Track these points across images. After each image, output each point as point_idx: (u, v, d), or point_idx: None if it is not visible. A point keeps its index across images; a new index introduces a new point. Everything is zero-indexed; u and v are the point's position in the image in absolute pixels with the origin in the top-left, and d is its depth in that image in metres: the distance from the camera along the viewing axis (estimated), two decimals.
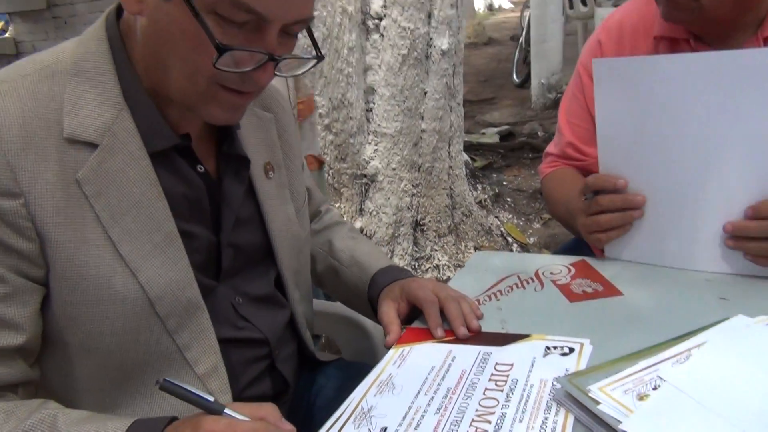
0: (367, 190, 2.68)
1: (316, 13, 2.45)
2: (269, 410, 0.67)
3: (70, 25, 8.22)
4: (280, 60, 0.72)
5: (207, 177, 0.85)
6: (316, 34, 2.48)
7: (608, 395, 0.68)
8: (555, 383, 0.75)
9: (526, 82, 6.02)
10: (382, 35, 2.60)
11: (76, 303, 0.74)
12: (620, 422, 0.64)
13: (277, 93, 1.02)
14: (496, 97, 6.24)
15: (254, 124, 0.94)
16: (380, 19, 2.59)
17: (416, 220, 2.76)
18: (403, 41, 2.57)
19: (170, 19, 0.69)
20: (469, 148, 3.60)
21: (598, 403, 0.67)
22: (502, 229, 3.02)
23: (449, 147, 2.83)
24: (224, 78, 0.72)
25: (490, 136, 4.48)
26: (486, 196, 3.13)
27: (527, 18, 5.87)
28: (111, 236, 0.74)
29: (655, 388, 0.69)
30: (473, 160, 3.60)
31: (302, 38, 0.85)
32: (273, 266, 0.96)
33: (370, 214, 2.66)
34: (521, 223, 3.04)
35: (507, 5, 14.29)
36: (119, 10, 0.79)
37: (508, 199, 3.25)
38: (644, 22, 1.23)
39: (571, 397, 0.70)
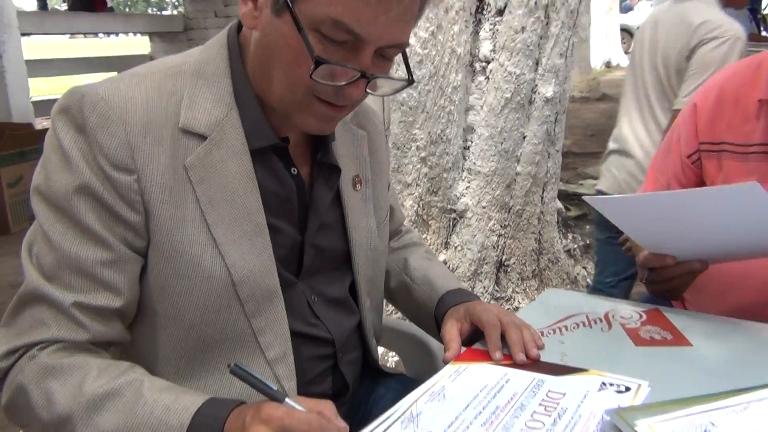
0: (454, 225, 2.71)
1: (425, 52, 2.54)
2: (327, 406, 0.71)
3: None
4: (371, 78, 0.79)
5: (299, 180, 0.92)
6: (423, 71, 2.58)
7: (653, 430, 0.68)
8: (604, 416, 0.75)
9: None
10: (487, 78, 2.65)
11: (169, 275, 0.82)
12: None
13: (372, 113, 1.09)
14: (602, 152, 6.11)
15: (348, 139, 1.01)
16: (488, 62, 2.65)
17: (501, 260, 2.76)
18: (507, 85, 2.61)
19: (278, 33, 0.78)
20: (565, 197, 3.56)
21: None
22: (588, 280, 2.95)
23: (543, 192, 2.82)
24: (319, 90, 0.80)
25: (588, 186, 4.40)
26: (576, 246, 3.07)
27: None
28: (207, 219, 0.82)
29: None
30: (567, 209, 3.55)
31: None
32: (349, 272, 1.02)
33: (455, 248, 2.68)
34: None
35: (626, 63, 14.02)
36: (240, 25, 0.90)
37: None
38: (747, 87, 1.22)
39: (618, 430, 0.70)
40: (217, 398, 0.75)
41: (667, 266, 1.10)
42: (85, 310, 0.79)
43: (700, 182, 1.30)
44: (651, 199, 1.12)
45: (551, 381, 0.86)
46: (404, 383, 1.12)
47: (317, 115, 0.83)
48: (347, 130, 1.02)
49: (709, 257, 1.09)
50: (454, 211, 2.70)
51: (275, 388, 0.71)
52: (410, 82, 0.85)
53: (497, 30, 2.60)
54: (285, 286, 0.90)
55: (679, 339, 0.97)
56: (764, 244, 1.05)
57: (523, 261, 2.82)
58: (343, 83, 0.78)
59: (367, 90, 0.81)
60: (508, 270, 2.79)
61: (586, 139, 6.75)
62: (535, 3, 2.56)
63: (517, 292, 2.75)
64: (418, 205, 2.69)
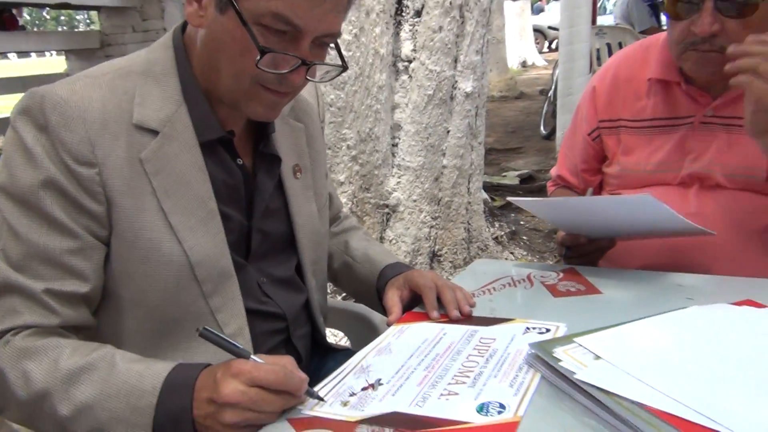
0: (388, 220, 2.82)
1: (349, 54, 2.65)
2: (287, 360, 0.80)
3: None
4: (311, 65, 0.88)
5: (244, 169, 1.00)
6: (348, 73, 2.68)
7: (569, 355, 0.80)
8: (528, 349, 0.86)
9: (552, 134, 6.17)
10: (410, 76, 2.78)
11: (131, 260, 0.89)
12: (575, 373, 0.75)
13: (308, 106, 1.18)
14: (523, 147, 6.40)
15: (287, 131, 1.10)
16: (410, 61, 2.78)
17: (433, 251, 2.89)
18: (429, 82, 2.75)
19: (224, 28, 0.86)
20: (489, 188, 3.74)
21: (559, 360, 0.79)
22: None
23: (469, 184, 2.97)
24: (264, 78, 0.88)
25: (510, 178, 4.64)
26: (502, 233, 3.25)
27: (557, 73, 6.06)
28: (164, 208, 0.89)
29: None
30: (493, 199, 3.74)
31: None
32: (294, 254, 1.10)
33: (390, 242, 2.79)
34: (535, 261, 3.15)
35: (540, 62, 14.60)
36: (183, 27, 0.97)
37: (524, 237, 3.37)
38: (638, 67, 1.38)
39: (539, 357, 0.82)
40: (185, 363, 0.82)
41: (581, 244, 1.26)
42: (55, 296, 0.84)
43: (602, 157, 1.46)
44: (564, 202, 1.30)
45: (483, 330, 0.97)
46: (351, 356, 1.21)
47: (263, 103, 0.91)
48: (286, 123, 1.10)
49: (617, 237, 1.27)
50: (387, 206, 2.82)
51: (241, 346, 0.79)
52: (344, 68, 0.95)
53: (416, 30, 2.74)
54: (236, 269, 0.97)
55: (591, 289, 1.11)
56: (660, 232, 1.23)
57: (455, 250, 2.96)
58: (285, 71, 0.87)
59: (307, 77, 0.90)
60: (441, 259, 2.93)
61: (507, 136, 7.03)
62: (450, 3, 2.71)
63: (451, 281, 2.89)
64: (352, 202, 2.79)
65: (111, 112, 0.87)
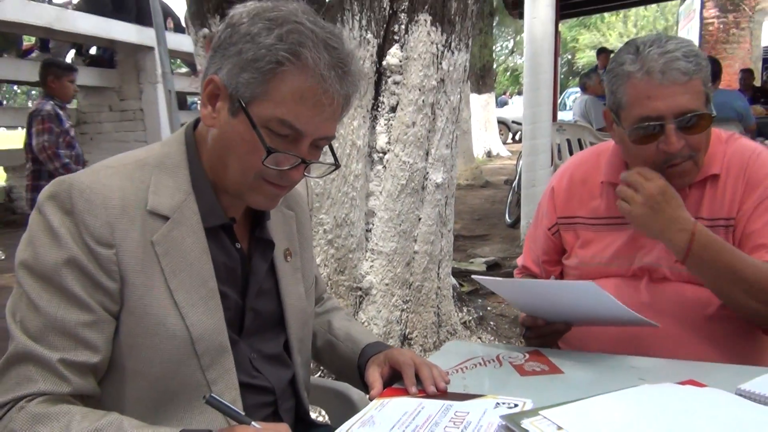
0: (361, 302, 2.92)
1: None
2: (284, 427, 0.89)
3: (95, 141, 8.78)
4: (309, 163, 1.02)
5: (242, 252, 1.11)
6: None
7: (536, 426, 0.90)
8: (500, 420, 0.96)
9: (517, 222, 6.41)
10: (385, 167, 2.96)
11: (138, 333, 0.97)
12: None
13: (299, 196, 1.31)
14: (489, 235, 6.60)
15: (280, 218, 1.22)
16: (384, 153, 2.96)
17: (404, 333, 2.98)
18: (402, 173, 2.92)
19: (234, 130, 1.00)
20: (457, 274, 3.87)
21: (527, 431, 0.89)
22: None
23: (438, 269, 3.10)
24: (267, 174, 1.01)
25: (478, 264, 4.81)
26: (471, 318, 3.36)
27: (521, 165, 6.37)
28: (170, 286, 0.99)
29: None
30: (461, 285, 3.86)
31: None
32: (283, 332, 1.20)
33: (363, 324, 2.87)
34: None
35: (505, 153, 15.18)
36: (195, 123, 1.10)
37: (491, 323, 3.48)
38: (591, 170, 1.56)
39: (509, 429, 0.92)
40: (189, 429, 0.90)
41: (538, 326, 1.39)
42: (68, 365, 0.92)
43: (561, 249, 1.61)
44: (519, 283, 1.49)
45: (457, 404, 1.06)
46: (332, 431, 1.29)
47: (265, 194, 1.04)
48: (278, 210, 1.22)
49: (571, 322, 1.40)
50: (360, 289, 2.92)
51: (242, 414, 0.87)
52: (337, 166, 1.08)
53: (391, 125, 2.94)
54: (231, 344, 1.07)
55: (554, 369, 1.22)
56: (609, 320, 1.37)
57: (425, 333, 3.05)
58: (287, 168, 1.00)
59: (305, 173, 1.03)
60: (412, 342, 3.01)
61: (473, 224, 7.26)
62: (423, 101, 2.93)
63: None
64: (327, 285, 2.88)
65: (129, 200, 0.98)
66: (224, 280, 1.07)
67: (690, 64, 1.29)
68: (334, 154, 1.10)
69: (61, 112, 4.51)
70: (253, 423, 0.86)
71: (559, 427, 0.90)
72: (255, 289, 1.13)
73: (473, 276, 1.42)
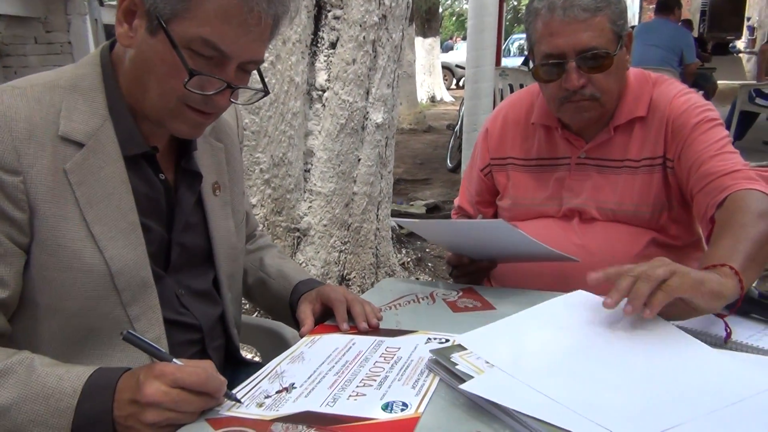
0: (299, 243, 2.88)
1: (265, 80, 2.71)
2: (208, 363, 0.85)
3: (20, 74, 8.25)
4: (235, 88, 0.95)
5: (166, 184, 1.05)
6: (264, 98, 2.74)
7: (465, 360, 0.90)
8: (429, 355, 0.96)
9: (458, 167, 6.44)
10: (324, 105, 2.88)
11: (51, 267, 0.91)
12: (472, 377, 0.85)
13: (228, 128, 1.24)
14: (430, 179, 6.63)
15: (208, 150, 1.16)
16: (323, 91, 2.88)
17: (342, 275, 2.97)
18: (342, 112, 2.85)
19: (153, 50, 0.92)
20: (397, 215, 3.88)
21: (456, 364, 0.89)
22: None
23: (378, 210, 3.09)
24: (190, 99, 0.94)
25: (418, 207, 4.84)
26: (409, 259, 3.38)
27: (463, 109, 6.36)
28: (86, 218, 0.93)
29: None
30: (400, 227, 3.87)
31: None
32: (212, 268, 1.15)
33: (300, 265, 2.85)
34: None
35: (448, 98, 15.16)
36: (112, 45, 1.01)
37: (429, 264, 3.52)
38: (524, 112, 1.55)
39: (438, 363, 0.91)
40: (104, 367, 0.85)
41: (464, 264, 1.39)
42: None
43: (494, 190, 1.61)
44: (436, 223, 1.48)
45: (388, 340, 1.05)
46: None
47: (188, 122, 0.97)
48: (207, 142, 1.16)
49: (494, 259, 1.41)
50: (298, 230, 2.88)
51: (163, 351, 0.83)
52: (266, 92, 1.03)
53: (331, 62, 2.85)
54: (156, 279, 1.01)
55: (486, 305, 1.23)
56: (529, 256, 1.39)
57: (363, 274, 3.05)
58: (211, 93, 0.93)
59: (231, 99, 0.97)
60: (350, 283, 3.01)
61: (415, 167, 7.26)
62: (364, 38, 2.84)
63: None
64: (264, 225, 2.83)
65: (37, 124, 0.90)
66: (147, 213, 1.01)
67: (593, 0, 1.28)
68: (262, 80, 1.03)
69: None
70: (174, 360, 0.83)
71: (489, 363, 0.90)
72: (181, 223, 1.07)
73: (393, 219, 1.42)
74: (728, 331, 0.99)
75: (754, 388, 0.82)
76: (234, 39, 0.91)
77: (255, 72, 1.02)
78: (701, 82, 6.31)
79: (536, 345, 0.96)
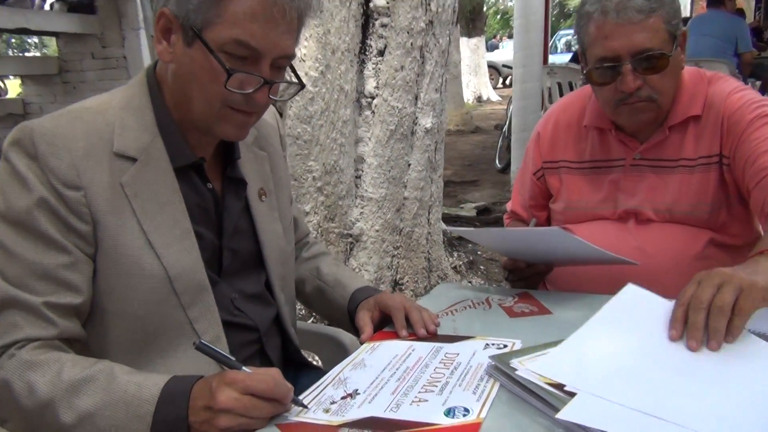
0: (351, 249, 2.92)
1: (316, 89, 2.77)
2: (275, 371, 0.89)
3: (78, 90, 8.58)
4: (272, 83, 1.00)
5: (214, 193, 1.10)
6: (315, 107, 2.80)
7: (524, 366, 0.91)
8: (489, 361, 0.97)
9: (507, 167, 6.39)
10: (373, 112, 2.92)
11: (115, 275, 0.97)
12: (534, 383, 0.86)
13: (271, 137, 1.28)
14: (479, 180, 6.60)
15: (252, 158, 1.20)
16: (373, 98, 2.92)
17: (395, 279, 3.00)
18: (391, 118, 2.88)
19: (192, 60, 0.98)
20: (448, 219, 3.89)
21: (515, 369, 0.90)
22: None
23: (429, 215, 3.10)
24: (232, 100, 0.99)
25: (468, 210, 4.83)
26: (461, 263, 3.38)
27: (511, 109, 6.31)
28: (143, 227, 0.99)
29: None
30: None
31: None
32: (263, 271, 1.20)
33: (354, 270, 2.89)
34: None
35: (495, 98, 15.04)
36: (155, 65, 1.08)
37: (481, 267, 3.51)
38: (576, 115, 1.54)
39: (499, 369, 0.93)
40: (180, 375, 0.90)
41: (519, 268, 1.40)
42: (52, 308, 0.92)
43: (548, 194, 1.61)
44: (491, 231, 1.52)
45: (447, 346, 1.07)
46: (324, 374, 1.30)
47: (233, 123, 1.02)
48: (251, 151, 1.20)
49: (551, 263, 1.41)
50: (351, 236, 2.92)
51: (233, 359, 0.88)
52: (302, 85, 1.07)
53: (379, 69, 2.88)
54: (211, 284, 1.06)
55: (542, 310, 1.23)
56: (586, 260, 1.38)
57: (416, 279, 3.07)
58: (251, 90, 0.98)
59: (270, 96, 1.01)
60: (403, 288, 3.03)
61: (464, 169, 7.24)
62: (411, 44, 2.87)
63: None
64: (317, 232, 2.88)
65: (94, 143, 0.97)
66: (198, 221, 1.07)
67: (647, 1, 1.27)
68: (296, 75, 1.08)
69: None
70: (243, 368, 0.87)
71: (546, 369, 0.90)
72: (230, 229, 1.13)
73: (449, 229, 1.45)
74: None
75: None
76: (263, 35, 0.96)
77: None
78: (759, 71, 6.10)
79: (611, 359, 0.94)
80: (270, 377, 0.85)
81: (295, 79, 1.09)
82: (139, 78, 1.07)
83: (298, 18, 0.99)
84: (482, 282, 3.30)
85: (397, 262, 3.01)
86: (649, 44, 1.29)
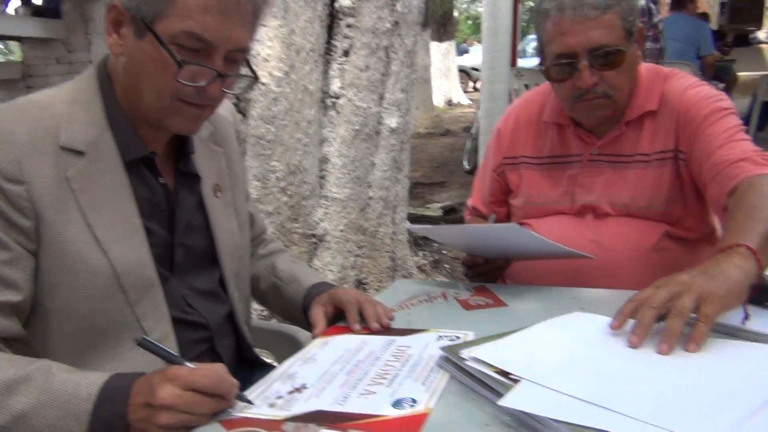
0: (315, 249, 2.90)
1: (280, 90, 2.74)
2: (219, 366, 0.86)
3: None
4: (225, 76, 0.98)
5: (166, 187, 1.08)
6: (279, 107, 2.77)
7: (474, 356, 0.90)
8: (440, 352, 0.96)
9: (475, 169, 6.42)
10: (338, 112, 2.90)
11: (59, 272, 0.94)
12: (484, 373, 0.85)
13: (228, 133, 1.26)
14: (447, 182, 6.62)
15: (207, 154, 1.18)
16: (337, 98, 2.90)
17: (359, 279, 2.98)
18: (356, 118, 2.87)
19: (143, 52, 0.95)
20: (414, 219, 3.88)
21: (465, 360, 0.89)
22: None
23: (394, 214, 3.09)
24: (184, 93, 0.97)
25: (434, 210, 4.85)
26: (426, 262, 3.38)
27: (480, 112, 6.34)
28: (89, 222, 0.96)
29: None
30: None
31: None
32: (217, 268, 1.17)
33: (317, 271, 2.86)
34: None
35: (465, 101, 15.13)
36: (106, 59, 1.05)
37: (446, 265, 3.51)
38: (536, 111, 1.55)
39: (449, 359, 0.92)
40: (121, 373, 0.87)
41: (478, 264, 1.40)
42: None
43: (507, 190, 1.61)
44: (450, 228, 1.55)
45: (400, 339, 1.06)
46: None
47: (185, 116, 1.00)
48: (206, 146, 1.18)
49: (510, 258, 1.41)
50: (315, 236, 2.89)
51: (176, 355, 0.85)
52: (256, 78, 1.05)
53: (345, 69, 2.87)
54: (161, 280, 1.04)
55: (498, 302, 1.23)
56: (544, 254, 1.38)
57: (380, 278, 3.06)
58: (203, 83, 0.96)
59: (223, 89, 0.99)
60: (367, 287, 3.02)
61: (432, 171, 7.26)
62: (376, 44, 2.86)
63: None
64: (280, 232, 2.85)
65: (38, 136, 0.94)
66: (149, 216, 1.04)
67: None
68: (251, 68, 1.06)
69: None
70: (186, 363, 0.84)
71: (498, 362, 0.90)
72: (183, 224, 1.10)
73: (407, 227, 1.45)
74: (747, 314, 0.98)
75: None
76: (216, 27, 0.94)
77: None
78: (721, 74, 6.24)
79: (558, 352, 0.93)
80: (214, 372, 0.83)
81: (250, 73, 1.06)
82: (88, 72, 1.04)
83: (253, 11, 0.97)
84: (447, 281, 3.30)
85: (362, 262, 2.99)
86: (605, 40, 1.30)
